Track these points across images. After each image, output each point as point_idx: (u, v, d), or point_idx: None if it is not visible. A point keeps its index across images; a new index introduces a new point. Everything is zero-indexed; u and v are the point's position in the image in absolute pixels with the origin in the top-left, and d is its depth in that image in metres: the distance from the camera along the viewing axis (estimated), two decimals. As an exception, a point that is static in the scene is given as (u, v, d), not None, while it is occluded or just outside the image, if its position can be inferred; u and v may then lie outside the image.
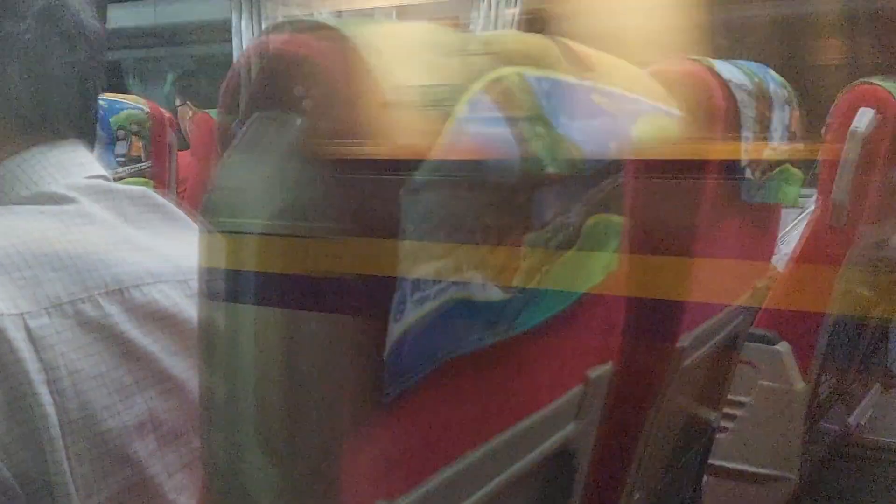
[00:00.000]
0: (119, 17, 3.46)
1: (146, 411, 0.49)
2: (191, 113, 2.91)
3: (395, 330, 0.36)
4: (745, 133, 0.75)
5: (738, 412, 1.38)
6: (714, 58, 0.74)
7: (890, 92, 1.29)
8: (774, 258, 1.27)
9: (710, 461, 1.06)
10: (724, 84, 0.72)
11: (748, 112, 0.75)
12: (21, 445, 0.44)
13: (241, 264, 0.34)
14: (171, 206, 0.57)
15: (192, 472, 0.52)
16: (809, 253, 1.37)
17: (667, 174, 0.64)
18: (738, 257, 0.88)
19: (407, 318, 0.36)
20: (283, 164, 0.34)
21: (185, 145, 2.77)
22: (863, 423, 1.69)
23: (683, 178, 0.69)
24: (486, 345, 0.43)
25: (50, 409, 0.44)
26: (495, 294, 0.41)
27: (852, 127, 1.27)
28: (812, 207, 1.40)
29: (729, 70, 0.74)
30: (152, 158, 2.06)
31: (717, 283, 0.82)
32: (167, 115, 2.16)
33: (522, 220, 0.43)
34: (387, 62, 0.35)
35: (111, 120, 1.94)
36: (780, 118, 0.83)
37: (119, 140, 1.97)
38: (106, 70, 0.59)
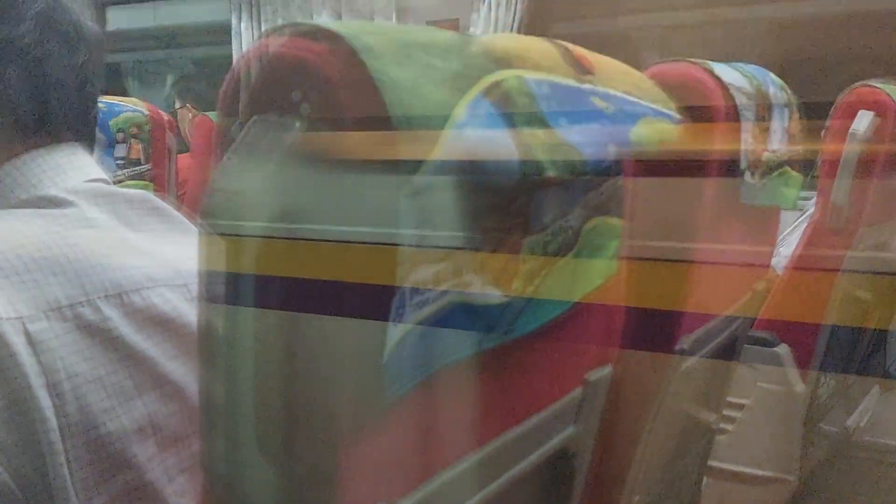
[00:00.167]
0: (118, 20, 3.46)
1: (145, 415, 0.49)
2: (190, 115, 2.91)
3: (395, 333, 0.36)
4: (745, 136, 0.75)
5: (737, 414, 1.37)
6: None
7: (889, 94, 1.29)
8: (774, 260, 1.27)
9: (710, 463, 1.06)
10: (724, 87, 0.72)
11: (747, 115, 0.75)
12: (20, 449, 0.44)
13: (241, 268, 0.34)
14: (171, 210, 0.57)
15: (192, 476, 0.52)
16: (809, 255, 1.37)
17: (666, 177, 0.64)
18: (737, 260, 0.88)
19: (406, 321, 0.36)
20: (283, 167, 0.34)
21: (184, 148, 2.77)
22: (862, 425, 1.69)
23: (683, 180, 0.69)
24: (485, 348, 0.43)
25: (49, 413, 0.44)
26: (494, 298, 0.41)
27: (851, 129, 1.27)
28: (811, 210, 1.40)
29: (728, 73, 0.74)
30: (152, 161, 2.06)
31: (716, 286, 0.82)
32: (167, 117, 2.16)
33: (522, 223, 0.43)
34: (386, 65, 0.35)
35: (110, 123, 1.94)
36: (780, 121, 0.83)
37: (118, 143, 1.97)
38: (105, 72, 0.59)
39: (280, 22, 3.04)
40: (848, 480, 1.78)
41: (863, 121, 1.26)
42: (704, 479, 1.07)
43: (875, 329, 1.67)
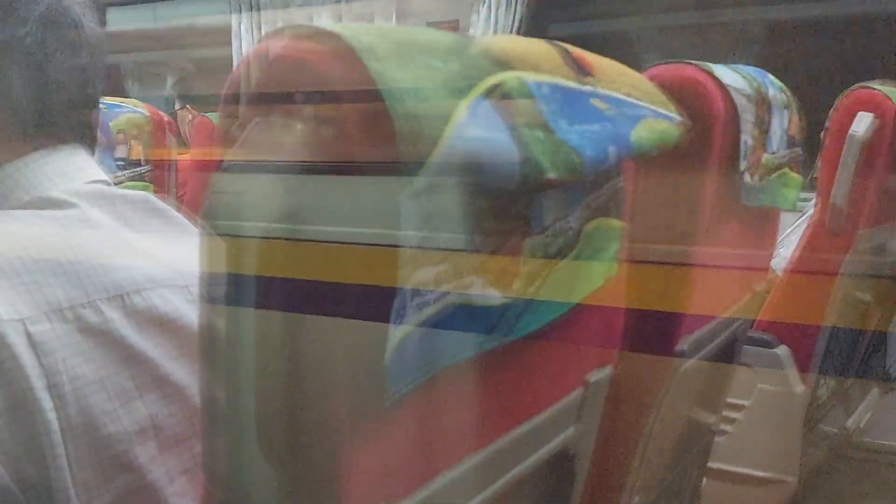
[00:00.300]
0: (118, 21, 3.46)
1: (147, 416, 0.49)
2: (190, 116, 2.92)
3: (396, 335, 0.36)
4: (744, 137, 0.75)
5: (737, 415, 1.37)
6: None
7: (888, 96, 1.29)
8: (773, 262, 1.27)
9: (710, 464, 1.06)
10: (724, 88, 0.72)
11: (747, 116, 0.75)
12: (22, 451, 0.44)
13: (242, 269, 0.34)
14: (172, 211, 0.58)
15: (193, 478, 0.52)
16: (808, 256, 1.37)
17: (666, 179, 0.64)
18: (736, 261, 0.88)
19: (407, 322, 0.36)
20: (284, 168, 0.34)
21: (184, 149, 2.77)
22: (861, 426, 1.69)
23: (682, 182, 0.69)
24: (486, 349, 0.43)
25: (51, 415, 0.44)
26: (495, 299, 0.42)
27: (851, 131, 1.27)
28: (811, 211, 1.41)
29: (728, 75, 0.74)
30: (152, 162, 2.06)
31: (716, 287, 0.83)
32: (167, 118, 2.16)
33: (522, 224, 0.43)
34: (387, 67, 0.35)
35: (111, 124, 1.94)
36: (779, 122, 0.83)
37: (119, 144, 1.97)
38: (105, 73, 0.59)
39: (280, 23, 3.04)
40: (848, 481, 1.78)
41: (862, 122, 1.27)
42: (704, 480, 1.07)
43: (874, 330, 1.67)
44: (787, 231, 1.58)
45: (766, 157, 0.81)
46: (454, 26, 2.81)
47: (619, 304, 0.60)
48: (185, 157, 2.53)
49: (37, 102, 0.53)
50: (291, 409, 0.35)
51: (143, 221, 0.55)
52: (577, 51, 0.50)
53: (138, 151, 2.01)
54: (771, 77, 0.85)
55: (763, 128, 0.79)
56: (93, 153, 0.58)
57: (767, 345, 1.36)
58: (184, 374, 0.51)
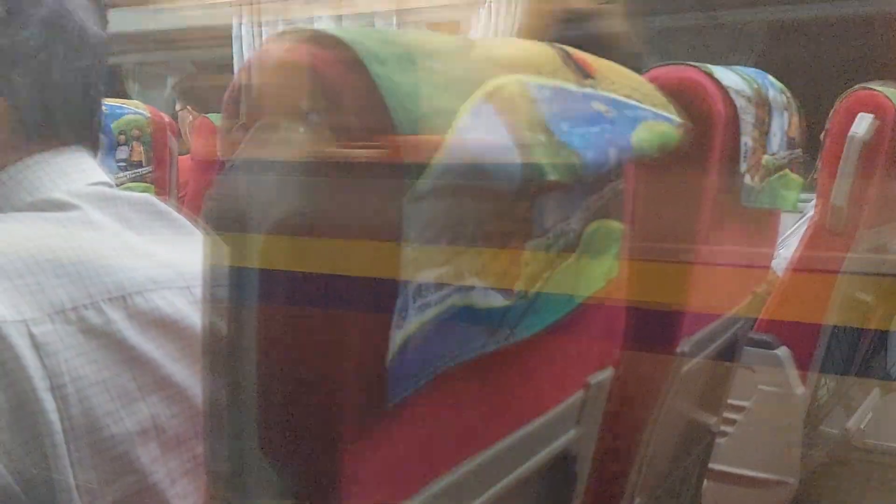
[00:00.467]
0: (119, 22, 3.46)
1: (149, 417, 0.49)
2: (190, 118, 2.91)
3: (398, 336, 0.36)
4: (745, 139, 0.75)
5: (737, 417, 1.37)
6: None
7: (888, 97, 1.29)
8: (774, 262, 1.27)
9: (710, 465, 1.07)
10: (724, 90, 0.72)
11: (747, 118, 0.75)
12: (25, 451, 0.44)
13: (245, 270, 0.34)
14: (174, 213, 0.58)
15: (195, 478, 0.52)
16: (808, 257, 1.37)
17: (666, 180, 0.65)
18: (737, 262, 0.88)
19: (409, 324, 0.36)
20: (287, 171, 0.34)
21: (185, 150, 2.77)
22: (862, 427, 1.69)
23: (683, 183, 0.69)
24: (487, 351, 0.43)
25: (53, 416, 0.45)
26: (497, 300, 0.42)
27: (851, 132, 1.28)
28: (811, 212, 1.41)
29: (728, 76, 0.74)
30: (153, 163, 2.06)
31: (716, 288, 0.83)
32: (168, 119, 2.16)
33: (524, 226, 0.43)
34: (389, 70, 0.35)
35: (113, 125, 1.94)
36: (779, 124, 0.83)
37: (120, 145, 1.97)
38: (107, 75, 0.59)
39: (280, 24, 3.04)
40: (848, 482, 1.78)
41: (862, 123, 1.27)
42: (705, 481, 1.07)
43: (875, 331, 1.67)
44: (788, 232, 1.58)
45: (766, 158, 0.81)
46: (454, 28, 2.81)
47: (620, 305, 0.60)
48: (185, 157, 2.53)
49: (40, 105, 0.53)
50: (293, 410, 0.35)
51: (145, 223, 0.55)
52: (577, 53, 0.50)
53: (139, 152, 2.02)
54: (771, 78, 0.85)
55: (763, 129, 0.79)
56: (95, 155, 0.58)
57: (768, 346, 1.36)
58: (186, 375, 0.51)
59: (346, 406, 0.36)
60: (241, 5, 3.13)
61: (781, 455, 1.39)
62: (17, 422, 0.44)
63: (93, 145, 0.58)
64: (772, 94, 0.82)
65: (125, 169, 1.99)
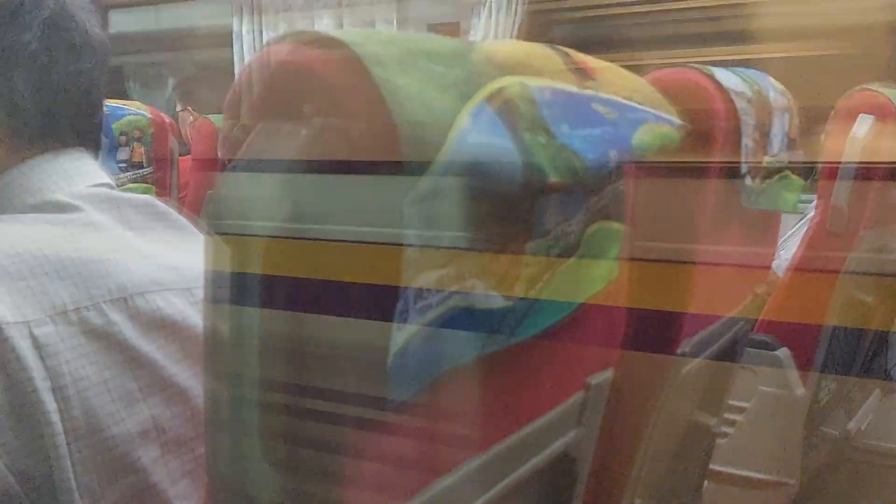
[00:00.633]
0: (120, 23, 3.47)
1: (150, 418, 0.49)
2: (191, 118, 2.91)
3: (399, 338, 0.36)
4: (745, 140, 0.75)
5: (738, 418, 1.37)
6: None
7: (889, 98, 1.29)
8: (774, 264, 1.27)
9: (711, 466, 1.06)
10: (724, 92, 0.72)
11: (748, 119, 0.75)
12: (26, 452, 0.44)
13: (246, 272, 0.34)
14: (175, 214, 0.58)
15: (196, 480, 0.52)
16: (809, 259, 1.37)
17: (667, 182, 0.65)
18: (737, 263, 0.88)
19: (410, 326, 0.36)
20: (288, 173, 0.34)
21: (185, 151, 2.77)
22: (863, 428, 1.69)
23: (684, 185, 0.69)
24: (488, 352, 0.43)
25: (55, 417, 0.45)
26: (497, 302, 0.42)
27: (852, 133, 1.28)
28: (812, 213, 1.41)
29: (728, 78, 0.74)
30: (154, 164, 2.06)
31: (717, 290, 0.83)
32: (169, 120, 2.17)
33: (524, 228, 0.43)
34: (390, 73, 0.35)
35: (113, 126, 1.95)
36: (780, 125, 0.83)
37: (121, 146, 1.98)
38: (108, 76, 0.59)
39: (281, 26, 3.04)
40: (849, 484, 1.78)
41: (863, 124, 1.27)
42: (705, 482, 1.07)
43: (876, 332, 1.67)
44: (788, 233, 1.58)
45: (766, 159, 0.81)
46: (454, 29, 2.81)
47: (621, 306, 0.60)
48: (185, 158, 2.53)
49: (41, 106, 0.53)
50: (294, 412, 0.35)
51: (147, 224, 0.55)
52: (578, 55, 0.50)
53: (140, 153, 2.02)
54: (772, 80, 0.85)
55: (764, 131, 0.79)
56: (97, 156, 0.58)
57: (768, 347, 1.36)
58: (187, 376, 0.51)
59: (348, 407, 0.36)
60: (241, 6, 3.14)
61: (782, 456, 1.39)
62: (19, 422, 0.44)
63: (94, 147, 0.58)
64: (772, 95, 0.82)
65: (126, 170, 1.99)
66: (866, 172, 1.30)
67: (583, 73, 0.49)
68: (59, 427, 0.45)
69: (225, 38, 3.31)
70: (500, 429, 0.48)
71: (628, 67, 0.55)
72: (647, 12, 2.51)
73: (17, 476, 0.44)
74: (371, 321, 0.36)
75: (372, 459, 0.38)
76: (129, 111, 2.01)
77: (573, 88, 0.47)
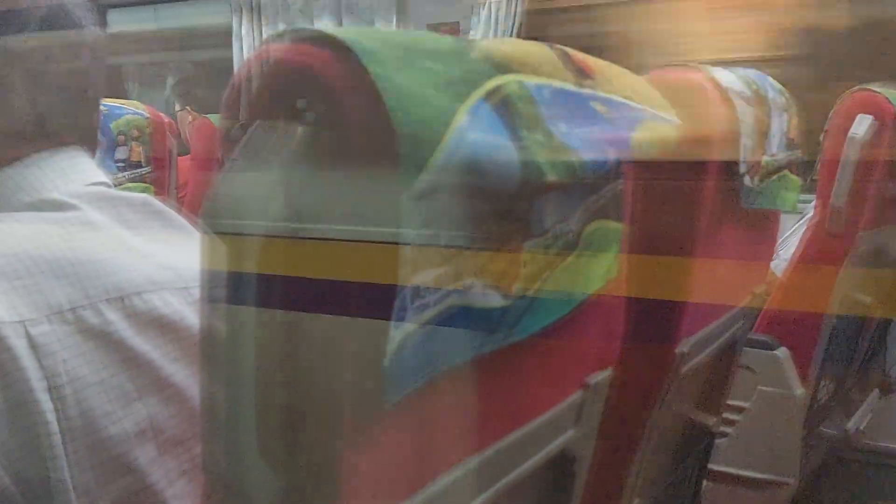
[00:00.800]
0: (119, 22, 3.47)
1: (147, 418, 0.49)
2: (190, 118, 2.92)
3: (396, 336, 0.36)
4: (744, 140, 0.75)
5: (737, 417, 1.37)
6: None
7: (888, 98, 1.29)
8: (773, 263, 1.27)
9: (710, 466, 1.06)
10: (723, 91, 0.72)
11: (747, 119, 0.75)
12: (22, 452, 0.44)
13: (243, 271, 0.34)
14: (173, 214, 0.58)
15: (193, 480, 0.52)
16: (808, 258, 1.37)
17: (666, 181, 0.65)
18: (736, 263, 0.88)
19: (407, 324, 0.36)
20: (285, 171, 0.34)
21: (184, 150, 2.77)
22: (861, 427, 1.69)
23: (682, 184, 0.69)
24: (486, 352, 0.43)
25: (51, 416, 0.45)
26: (495, 301, 0.42)
27: (850, 133, 1.28)
28: (811, 213, 1.41)
29: (727, 77, 0.74)
30: (152, 164, 2.06)
31: (716, 289, 0.83)
32: (167, 120, 2.17)
33: (522, 226, 0.43)
34: (388, 71, 0.35)
35: (112, 125, 1.95)
36: (779, 125, 0.83)
37: (119, 145, 1.98)
38: (107, 75, 0.59)
39: (280, 25, 3.04)
40: (848, 483, 1.78)
41: (861, 125, 1.27)
42: (704, 481, 1.07)
43: (874, 331, 1.67)
44: (787, 233, 1.58)
45: (765, 159, 0.81)
46: (454, 29, 2.81)
47: (619, 306, 0.60)
48: (184, 158, 2.53)
49: (37, 105, 0.53)
50: (291, 411, 0.35)
51: (144, 223, 0.55)
52: (576, 54, 0.50)
53: (138, 153, 2.02)
54: (770, 79, 0.85)
55: (762, 130, 0.79)
56: (93, 155, 0.58)
57: (767, 346, 1.36)
58: (184, 376, 0.51)
59: (344, 406, 0.36)
60: (241, 6, 3.14)
61: (781, 456, 1.39)
62: (15, 422, 0.44)
63: (91, 145, 0.58)
64: (771, 95, 0.82)
65: (124, 169, 1.99)
66: (865, 172, 1.30)
67: (581, 72, 0.48)
68: (55, 427, 0.45)
69: (224, 38, 3.31)
70: (499, 428, 0.48)
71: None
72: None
73: (12, 476, 0.44)
74: (368, 320, 0.35)
75: (369, 458, 0.38)
76: (127, 110, 2.01)
77: (572, 87, 0.47)
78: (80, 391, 0.46)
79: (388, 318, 0.35)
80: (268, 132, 0.35)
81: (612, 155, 0.48)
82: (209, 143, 2.65)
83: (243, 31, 3.22)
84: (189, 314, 0.52)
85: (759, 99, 0.78)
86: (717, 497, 1.34)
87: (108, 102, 1.92)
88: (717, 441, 1.08)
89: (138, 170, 2.02)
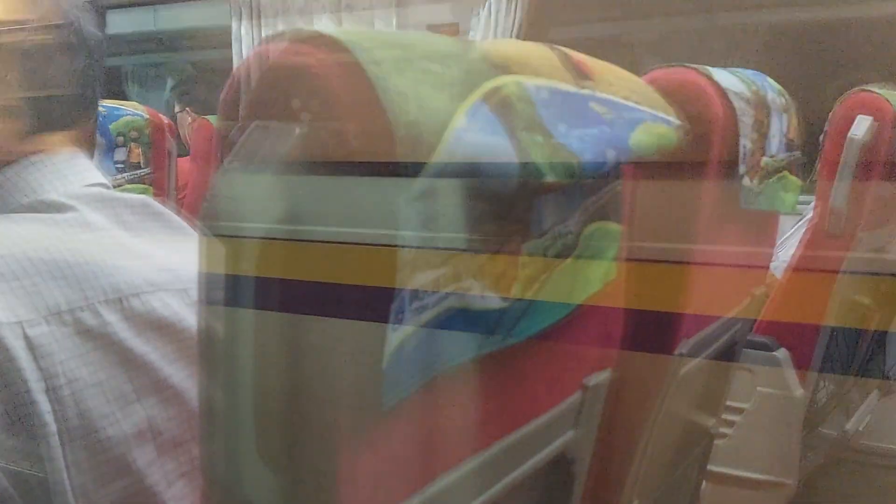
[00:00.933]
0: (118, 23, 3.46)
1: (145, 419, 0.49)
2: (190, 119, 2.92)
3: (394, 338, 0.36)
4: (743, 141, 0.75)
5: (736, 418, 1.37)
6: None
7: (887, 100, 1.29)
8: (773, 265, 1.27)
9: (709, 467, 1.06)
10: (722, 92, 0.72)
11: (746, 120, 0.75)
12: (20, 454, 0.44)
13: (241, 272, 0.34)
14: (171, 215, 0.58)
15: (192, 481, 0.52)
16: (808, 260, 1.37)
17: (665, 182, 0.65)
18: (736, 264, 0.88)
19: (405, 326, 0.36)
20: (283, 172, 0.34)
21: (184, 152, 2.77)
22: (860, 429, 1.69)
23: (681, 186, 0.69)
24: (485, 353, 0.43)
25: (49, 418, 0.44)
26: (494, 302, 0.42)
27: (850, 134, 1.28)
28: (810, 214, 1.41)
29: (727, 78, 0.74)
30: (151, 165, 2.06)
31: (715, 290, 0.83)
32: (166, 121, 2.16)
33: (521, 228, 0.43)
34: (386, 72, 0.35)
35: (110, 126, 1.94)
36: (778, 126, 0.83)
37: (118, 146, 1.97)
38: (105, 76, 0.59)
39: (280, 26, 3.04)
40: (847, 484, 1.78)
41: (861, 126, 1.27)
42: (703, 483, 1.07)
43: (874, 333, 1.67)
44: (787, 234, 1.58)
45: (765, 160, 0.81)
46: (454, 30, 2.81)
47: (618, 307, 0.60)
48: (184, 159, 2.53)
49: (35, 106, 0.53)
50: (290, 412, 0.35)
51: (142, 225, 0.55)
52: (576, 54, 0.50)
53: (138, 154, 2.02)
54: (770, 80, 0.85)
55: (762, 131, 0.79)
56: (92, 156, 0.58)
57: (767, 348, 1.36)
58: (182, 377, 0.51)
59: (343, 408, 0.36)
60: (240, 7, 3.14)
61: (780, 457, 1.39)
62: (13, 424, 0.44)
63: (89, 146, 0.58)
64: (770, 95, 0.82)
65: (123, 170, 1.99)
66: (865, 173, 1.30)
67: (580, 73, 0.48)
68: (53, 428, 0.45)
69: (224, 40, 3.31)
70: (498, 429, 0.48)
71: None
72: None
73: (10, 478, 0.44)
74: (366, 322, 0.35)
75: (368, 460, 0.38)
76: (126, 112, 2.01)
77: (571, 88, 0.47)
78: (79, 392, 0.46)
79: (386, 320, 0.35)
80: (266, 132, 0.34)
81: (611, 156, 0.48)
82: (208, 145, 2.65)
83: (243, 32, 3.21)
84: (188, 315, 0.52)
85: (758, 100, 0.78)
86: (716, 498, 1.34)
87: (106, 104, 1.92)
88: (717, 442, 1.08)
89: (137, 171, 2.02)
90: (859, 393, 1.75)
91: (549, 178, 0.42)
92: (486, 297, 0.41)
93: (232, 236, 0.34)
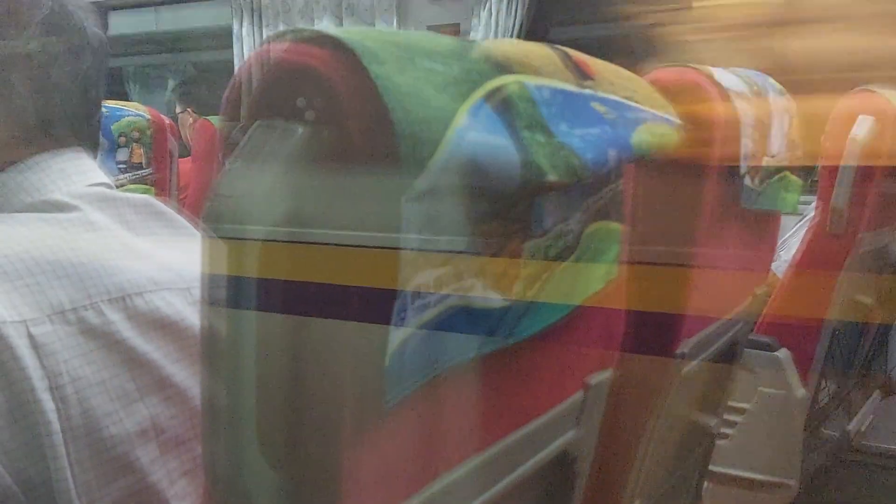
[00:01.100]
0: (120, 24, 3.47)
1: (148, 418, 0.49)
2: (191, 120, 2.92)
3: (396, 337, 0.36)
4: (744, 140, 0.75)
5: (738, 418, 1.37)
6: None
7: (889, 99, 1.29)
8: (774, 265, 1.27)
9: (711, 467, 1.06)
10: (724, 91, 0.72)
11: (747, 120, 0.75)
12: (23, 452, 0.44)
13: (243, 272, 0.34)
14: (174, 214, 0.58)
15: (194, 479, 0.52)
16: (809, 259, 1.37)
17: (666, 182, 0.65)
18: (737, 264, 0.88)
19: (408, 325, 0.36)
20: (285, 172, 0.34)
21: (185, 152, 2.77)
22: (863, 429, 1.69)
23: (683, 185, 0.69)
24: (486, 352, 0.43)
25: (52, 416, 0.45)
26: (495, 302, 0.42)
27: (852, 134, 1.28)
28: (812, 214, 1.41)
29: (728, 78, 0.74)
30: (153, 165, 2.06)
31: (716, 290, 0.83)
32: (168, 121, 2.17)
33: (522, 227, 0.43)
34: (388, 71, 0.35)
35: (113, 127, 1.95)
36: (779, 126, 0.83)
37: (120, 147, 1.98)
38: (108, 77, 0.59)
39: (281, 26, 3.04)
40: (849, 485, 1.77)
41: (863, 126, 1.27)
42: (705, 483, 1.07)
43: (876, 333, 1.67)
44: (788, 234, 1.58)
45: (766, 159, 0.81)
46: (455, 30, 2.81)
47: (620, 306, 0.60)
48: (185, 159, 2.53)
49: (39, 106, 0.53)
50: (292, 411, 0.35)
51: (145, 224, 0.55)
52: (577, 54, 0.50)
53: (140, 154, 2.02)
54: (771, 80, 0.85)
55: (763, 131, 0.79)
56: (95, 156, 0.58)
57: (768, 348, 1.36)
58: (185, 376, 0.51)
59: (345, 407, 0.36)
60: (241, 8, 3.14)
61: (782, 457, 1.39)
62: (16, 422, 0.44)
63: (92, 146, 0.58)
64: (772, 96, 0.82)
65: (125, 171, 2.00)
66: (866, 174, 1.30)
67: (581, 73, 0.48)
68: (56, 427, 0.45)
69: (225, 40, 3.31)
70: (499, 428, 0.48)
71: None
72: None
73: (14, 476, 0.44)
74: (369, 321, 0.36)
75: (369, 459, 0.38)
76: (128, 112, 2.01)
77: (572, 87, 0.47)
78: (82, 391, 0.46)
79: (388, 320, 0.35)
80: (267, 132, 0.35)
81: (612, 155, 0.48)
82: (210, 145, 2.65)
83: (244, 33, 3.22)
84: (190, 314, 0.52)
85: (759, 99, 0.78)
86: (717, 498, 1.34)
87: (108, 104, 1.92)
88: (718, 442, 1.08)
89: (139, 171, 2.03)
90: (861, 393, 1.75)
91: (551, 178, 0.42)
92: (487, 296, 0.41)
93: (234, 237, 0.34)
